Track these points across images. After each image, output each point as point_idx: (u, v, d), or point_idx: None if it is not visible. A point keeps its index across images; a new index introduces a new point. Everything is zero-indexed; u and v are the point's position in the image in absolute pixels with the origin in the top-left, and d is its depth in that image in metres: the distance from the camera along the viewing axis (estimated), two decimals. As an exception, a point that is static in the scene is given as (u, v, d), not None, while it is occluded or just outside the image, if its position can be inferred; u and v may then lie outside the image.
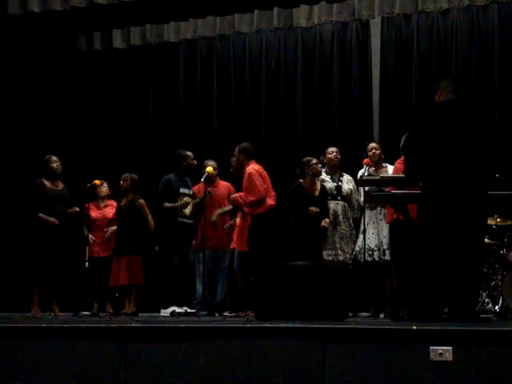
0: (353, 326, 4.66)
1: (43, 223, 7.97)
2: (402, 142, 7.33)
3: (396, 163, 7.42)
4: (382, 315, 7.75)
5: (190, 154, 8.46)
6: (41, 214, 7.97)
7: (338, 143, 9.62)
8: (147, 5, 9.19)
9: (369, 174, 7.53)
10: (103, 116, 11.07)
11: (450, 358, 4.27)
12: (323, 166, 8.23)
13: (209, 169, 8.21)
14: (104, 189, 9.12)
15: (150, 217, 8.73)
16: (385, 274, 7.87)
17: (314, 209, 7.82)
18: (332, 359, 4.39)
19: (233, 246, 8.28)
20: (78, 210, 8.29)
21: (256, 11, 10.24)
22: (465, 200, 5.38)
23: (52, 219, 7.99)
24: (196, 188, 8.51)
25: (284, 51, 10.55)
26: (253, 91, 10.61)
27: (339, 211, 8.08)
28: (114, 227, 8.91)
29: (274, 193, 7.89)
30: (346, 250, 8.02)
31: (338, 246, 7.99)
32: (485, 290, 7.66)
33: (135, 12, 9.43)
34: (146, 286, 8.76)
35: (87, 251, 8.47)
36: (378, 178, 7.01)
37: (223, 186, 8.66)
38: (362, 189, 7.96)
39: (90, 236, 8.88)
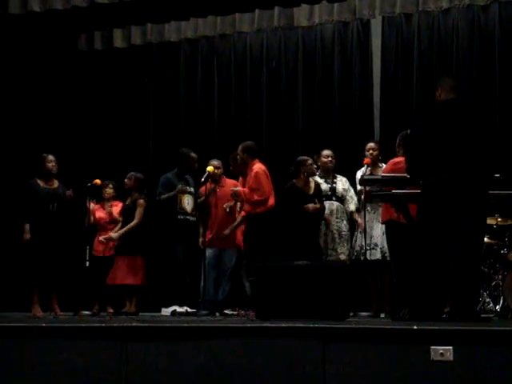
0: (353, 325, 4.66)
1: (37, 223, 7.97)
2: (397, 142, 7.33)
3: (388, 163, 7.38)
4: (382, 315, 7.74)
5: (194, 155, 8.48)
6: (26, 225, 7.98)
7: (339, 142, 9.64)
8: (148, 4, 9.20)
9: (369, 174, 7.53)
10: (104, 115, 11.07)
11: (451, 358, 4.26)
12: (317, 167, 8.25)
13: (209, 168, 8.20)
14: (109, 190, 9.12)
15: (137, 218, 8.64)
16: (380, 274, 7.87)
17: (311, 206, 7.82)
18: (332, 359, 4.38)
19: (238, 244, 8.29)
20: (70, 192, 8.26)
21: (257, 11, 10.24)
22: (465, 199, 5.37)
23: (26, 237, 8.00)
24: (203, 189, 8.48)
25: (285, 51, 10.55)
26: (253, 91, 10.60)
27: (334, 211, 8.10)
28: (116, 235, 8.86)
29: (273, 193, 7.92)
30: (339, 250, 8.03)
31: (330, 246, 8.01)
32: (485, 289, 7.66)
33: (136, 11, 9.43)
34: (146, 286, 8.76)
35: (88, 250, 8.45)
36: (379, 177, 7.00)
37: (230, 184, 8.61)
38: (357, 187, 7.99)
39: (101, 238, 8.84)
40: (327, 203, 8.10)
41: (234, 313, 8.03)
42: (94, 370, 4.73)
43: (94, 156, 10.76)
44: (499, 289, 7.56)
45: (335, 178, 8.31)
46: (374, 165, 7.88)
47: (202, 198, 8.34)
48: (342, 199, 8.20)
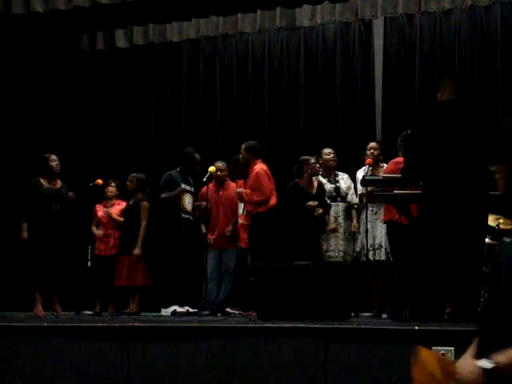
0: (355, 326, 4.67)
1: (40, 222, 7.98)
2: (398, 142, 7.34)
3: (389, 163, 7.38)
4: (384, 315, 7.74)
5: (198, 157, 8.48)
6: (23, 225, 7.99)
7: (341, 142, 9.64)
8: (150, 4, 9.19)
9: (370, 174, 7.53)
10: (106, 115, 11.07)
11: (452, 358, 4.26)
12: (320, 166, 8.24)
13: (211, 168, 8.20)
14: (112, 189, 9.11)
15: (144, 223, 8.65)
16: (383, 274, 7.87)
17: (311, 203, 7.82)
18: (334, 359, 4.39)
19: (241, 244, 8.29)
20: (72, 194, 8.28)
21: (259, 11, 10.23)
22: (465, 200, 5.37)
23: (24, 235, 8.01)
24: (204, 189, 8.47)
25: (287, 51, 10.55)
26: (255, 91, 10.61)
27: (340, 212, 8.11)
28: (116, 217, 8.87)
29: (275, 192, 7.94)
30: (346, 250, 8.03)
31: (341, 248, 8.00)
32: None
33: (138, 12, 9.42)
34: (148, 286, 8.76)
35: (90, 250, 8.46)
36: (380, 178, 7.00)
37: (234, 187, 8.60)
38: (358, 187, 7.98)
39: (99, 232, 8.86)
40: (333, 205, 8.10)
41: (235, 312, 8.04)
42: (96, 369, 4.74)
43: (96, 156, 10.77)
44: (500, 289, 7.54)
45: (337, 175, 8.30)
46: (375, 165, 7.87)
47: (204, 203, 8.35)
48: (345, 197, 8.20)
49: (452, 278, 5.48)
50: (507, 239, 2.26)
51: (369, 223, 7.77)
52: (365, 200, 7.66)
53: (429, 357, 2.20)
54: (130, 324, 4.91)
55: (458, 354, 4.27)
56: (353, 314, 6.84)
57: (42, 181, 8.21)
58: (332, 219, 8.05)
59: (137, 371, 4.70)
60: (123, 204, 9.02)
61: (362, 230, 7.92)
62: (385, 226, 7.58)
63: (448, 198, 5.41)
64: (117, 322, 5.31)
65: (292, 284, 5.85)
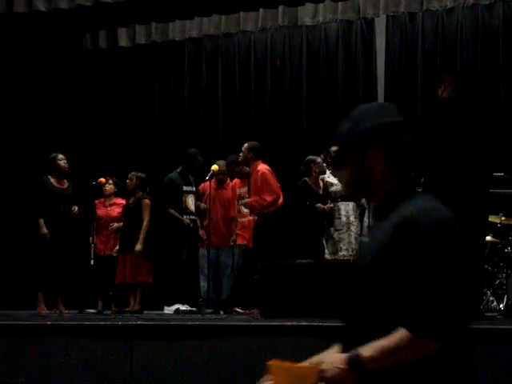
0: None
1: (49, 222, 8.00)
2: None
3: None
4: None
5: (201, 159, 8.47)
6: (40, 220, 8.00)
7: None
8: (152, 3, 9.21)
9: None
10: (108, 114, 11.08)
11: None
12: (327, 165, 8.24)
13: (214, 167, 8.18)
14: (109, 187, 9.09)
15: (146, 220, 8.67)
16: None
17: (321, 205, 7.85)
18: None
19: (242, 242, 8.26)
20: (76, 209, 8.32)
21: (261, 9, 10.24)
22: (466, 197, 5.38)
23: (45, 232, 8.01)
24: (202, 186, 8.51)
25: (289, 49, 10.55)
26: (258, 89, 10.61)
27: (350, 211, 8.11)
28: (117, 224, 8.90)
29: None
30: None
31: (353, 246, 7.99)
32: (489, 288, 7.65)
33: (140, 10, 9.44)
34: (150, 284, 8.77)
35: (92, 249, 8.47)
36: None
37: (233, 187, 8.61)
38: None
39: (93, 239, 8.86)
40: (343, 204, 8.09)
41: (241, 311, 8.04)
42: (100, 367, 4.75)
43: (98, 155, 10.78)
44: (503, 287, 7.55)
45: None
46: None
47: (203, 205, 8.38)
48: None
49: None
50: (364, 239, 2.29)
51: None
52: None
53: (278, 371, 2.19)
54: (133, 322, 4.93)
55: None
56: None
57: (51, 180, 8.24)
58: (343, 218, 8.06)
59: (140, 369, 4.71)
60: (122, 202, 9.02)
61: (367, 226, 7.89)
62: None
63: (449, 195, 5.42)
64: (120, 320, 5.33)
65: (295, 282, 5.85)
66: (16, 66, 10.26)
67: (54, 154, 8.37)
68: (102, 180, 8.87)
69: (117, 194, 9.16)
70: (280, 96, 10.50)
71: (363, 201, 7.93)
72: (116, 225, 8.91)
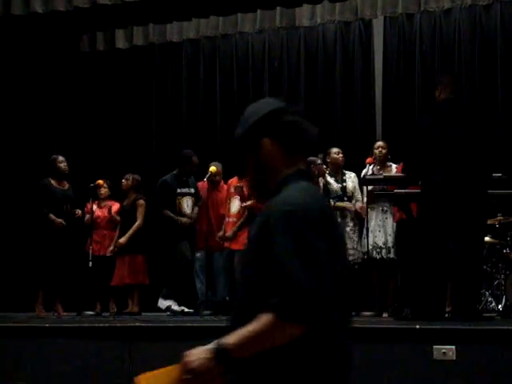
0: (356, 325, 4.67)
1: (49, 223, 8.00)
2: None
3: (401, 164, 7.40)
4: (385, 314, 7.75)
5: (196, 160, 8.46)
6: (50, 215, 8.01)
7: (341, 142, 9.62)
8: (150, 5, 9.19)
9: (372, 173, 7.54)
10: (106, 116, 11.08)
11: (454, 357, 4.28)
12: (326, 166, 8.24)
13: (212, 168, 8.19)
14: (104, 190, 9.09)
15: (140, 219, 8.66)
16: (389, 273, 7.87)
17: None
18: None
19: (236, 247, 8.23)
20: (80, 212, 8.36)
21: (259, 11, 10.23)
22: (465, 198, 5.38)
23: (59, 221, 8.03)
24: (199, 184, 8.52)
25: (287, 51, 10.55)
26: (256, 91, 10.60)
27: (346, 211, 8.10)
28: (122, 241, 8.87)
29: None
30: (357, 248, 8.02)
31: (350, 246, 8.00)
32: (488, 288, 7.66)
33: (138, 12, 9.42)
34: (148, 285, 8.77)
35: (90, 250, 8.47)
36: (381, 177, 7.00)
37: (226, 189, 8.61)
38: (364, 189, 7.95)
39: (111, 248, 8.84)
40: (339, 204, 8.09)
41: None
42: (98, 369, 4.75)
43: (96, 156, 10.77)
44: (502, 288, 7.56)
45: (344, 174, 8.29)
46: (382, 164, 7.88)
47: (200, 203, 8.40)
48: (351, 197, 8.20)
49: (453, 277, 5.49)
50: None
51: (380, 222, 7.80)
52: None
53: (148, 382, 2.21)
54: (132, 324, 4.92)
55: (460, 352, 4.29)
56: (354, 313, 6.85)
57: (52, 182, 8.25)
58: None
59: (139, 371, 4.70)
60: (117, 205, 9.01)
61: (372, 228, 7.88)
62: (389, 225, 7.62)
63: (448, 197, 5.42)
64: (118, 322, 5.32)
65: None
66: (14, 68, 10.26)
67: (54, 156, 8.37)
68: (100, 182, 8.86)
69: (110, 197, 9.15)
70: (278, 97, 10.45)
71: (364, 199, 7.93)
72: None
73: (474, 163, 5.43)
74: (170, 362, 4.77)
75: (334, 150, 8.33)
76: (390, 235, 7.79)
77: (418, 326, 4.41)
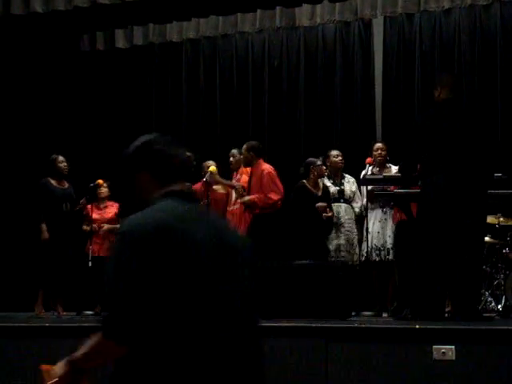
0: (356, 325, 4.67)
1: (49, 223, 8.00)
2: None
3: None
4: (384, 314, 7.75)
5: (190, 154, 8.46)
6: (42, 225, 8.00)
7: (341, 143, 9.64)
8: (150, 5, 9.19)
9: (371, 174, 7.54)
10: (106, 116, 11.07)
11: (453, 357, 4.28)
12: (326, 168, 8.24)
13: (212, 168, 8.20)
14: (104, 190, 9.07)
15: None
16: (389, 274, 7.88)
17: (321, 204, 7.83)
18: (335, 358, 4.39)
19: None
20: (85, 202, 8.35)
21: (258, 11, 10.23)
22: (464, 198, 5.38)
23: (46, 235, 8.01)
24: (196, 186, 8.50)
25: (286, 51, 10.55)
26: (255, 91, 10.61)
27: (341, 213, 8.10)
28: (108, 225, 8.85)
29: None
30: (351, 251, 8.03)
31: (343, 248, 8.00)
32: (488, 289, 7.67)
33: (138, 12, 9.42)
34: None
35: (90, 250, 8.46)
36: (380, 177, 7.01)
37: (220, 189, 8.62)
38: (364, 190, 7.95)
39: (90, 241, 8.83)
40: (334, 206, 8.09)
41: None
42: (98, 369, 4.74)
43: (96, 156, 10.76)
44: (501, 288, 7.56)
45: (343, 178, 8.30)
46: (381, 165, 7.88)
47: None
48: (349, 200, 8.20)
49: (452, 276, 5.49)
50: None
51: (379, 223, 7.80)
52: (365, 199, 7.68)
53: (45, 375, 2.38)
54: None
55: (459, 352, 4.29)
56: (353, 313, 6.85)
57: (51, 181, 8.24)
58: (333, 219, 8.05)
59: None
60: (116, 205, 8.98)
61: (371, 229, 7.88)
62: (388, 226, 7.63)
63: (447, 197, 5.42)
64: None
65: (292, 283, 5.85)
66: (13, 67, 10.25)
67: (54, 156, 8.36)
68: (100, 181, 8.84)
69: (110, 198, 9.13)
70: (277, 97, 10.50)
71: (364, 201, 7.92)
72: (107, 226, 8.85)
73: (473, 163, 5.44)
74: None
75: (334, 152, 8.33)
76: (389, 236, 7.79)
77: (417, 326, 4.41)
